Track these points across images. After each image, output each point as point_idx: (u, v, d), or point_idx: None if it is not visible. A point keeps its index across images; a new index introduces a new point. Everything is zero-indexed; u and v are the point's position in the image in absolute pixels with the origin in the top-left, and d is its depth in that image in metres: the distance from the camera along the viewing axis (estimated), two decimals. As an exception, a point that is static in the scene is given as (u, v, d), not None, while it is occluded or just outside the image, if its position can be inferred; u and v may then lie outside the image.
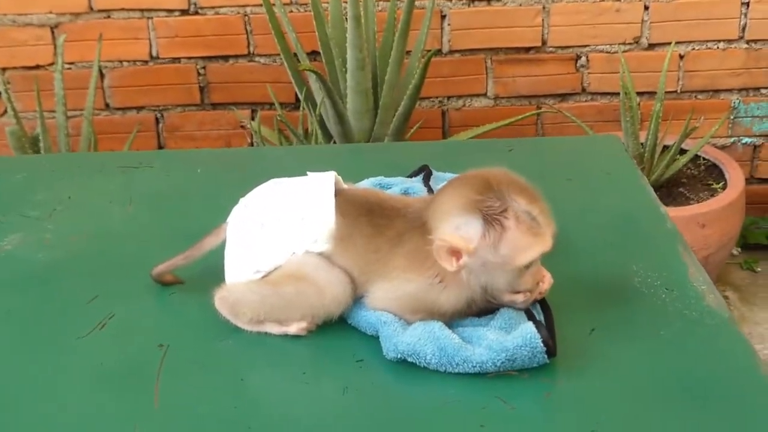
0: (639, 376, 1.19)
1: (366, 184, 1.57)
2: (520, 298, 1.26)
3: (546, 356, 1.18)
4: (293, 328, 1.27)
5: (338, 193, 1.31)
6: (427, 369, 1.20)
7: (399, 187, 1.56)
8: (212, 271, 1.34)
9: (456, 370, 1.19)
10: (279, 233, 1.29)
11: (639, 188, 1.65)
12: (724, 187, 2.87)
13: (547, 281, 1.29)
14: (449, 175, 1.59)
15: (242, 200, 1.36)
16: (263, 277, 1.29)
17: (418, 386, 1.19)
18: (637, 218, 1.56)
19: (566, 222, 1.42)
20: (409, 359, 1.20)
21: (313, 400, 1.17)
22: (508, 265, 1.21)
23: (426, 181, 1.60)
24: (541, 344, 1.18)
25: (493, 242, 1.19)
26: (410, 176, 1.63)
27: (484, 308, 1.27)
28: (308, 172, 1.36)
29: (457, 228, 1.19)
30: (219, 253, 1.34)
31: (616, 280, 1.39)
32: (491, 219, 1.19)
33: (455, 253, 1.20)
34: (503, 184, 1.21)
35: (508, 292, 1.25)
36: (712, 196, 2.84)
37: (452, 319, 1.26)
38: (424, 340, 1.20)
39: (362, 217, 1.29)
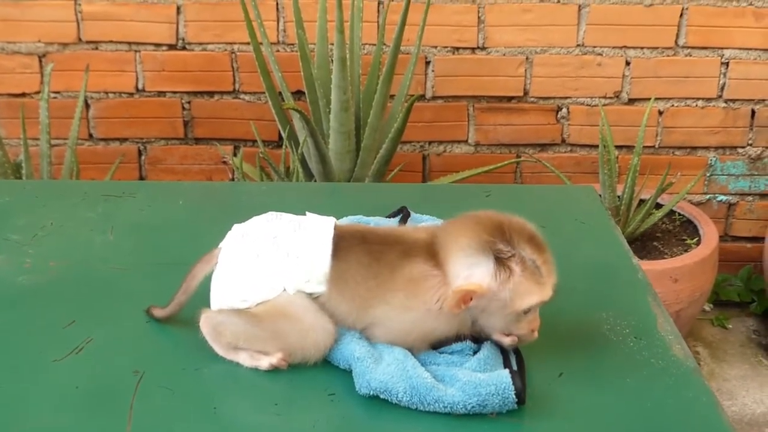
0: (604, 421, 1.21)
1: (346, 222, 1.59)
2: (507, 341, 1.29)
3: (516, 405, 1.21)
4: (264, 363, 1.28)
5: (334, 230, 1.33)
6: (398, 405, 1.21)
7: (377, 227, 1.58)
8: (191, 301, 1.35)
9: (427, 410, 1.20)
10: (273, 267, 1.30)
11: (612, 238, 1.68)
12: (697, 243, 2.89)
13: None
14: (427, 218, 1.62)
15: (238, 227, 1.37)
16: (248, 308, 1.30)
17: (388, 422, 1.20)
18: (609, 267, 1.59)
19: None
20: (381, 396, 1.22)
21: (283, 432, 1.18)
22: (507, 308, 1.25)
23: (404, 222, 1.62)
24: (514, 395, 1.20)
25: (499, 284, 1.23)
26: (389, 216, 1.65)
27: (470, 337, 1.31)
28: (308, 213, 1.38)
29: (469, 267, 1.24)
30: (203, 283, 1.36)
31: (586, 326, 1.41)
32: (501, 262, 1.23)
33: (466, 298, 1.23)
34: (514, 230, 1.25)
35: (500, 333, 1.29)
36: (686, 251, 2.87)
37: (437, 343, 1.30)
38: (397, 378, 1.21)
39: (357, 246, 1.31)
